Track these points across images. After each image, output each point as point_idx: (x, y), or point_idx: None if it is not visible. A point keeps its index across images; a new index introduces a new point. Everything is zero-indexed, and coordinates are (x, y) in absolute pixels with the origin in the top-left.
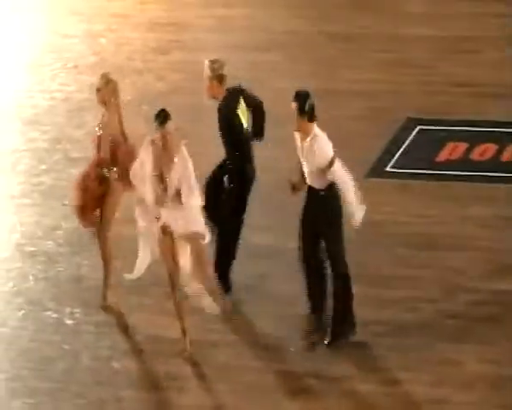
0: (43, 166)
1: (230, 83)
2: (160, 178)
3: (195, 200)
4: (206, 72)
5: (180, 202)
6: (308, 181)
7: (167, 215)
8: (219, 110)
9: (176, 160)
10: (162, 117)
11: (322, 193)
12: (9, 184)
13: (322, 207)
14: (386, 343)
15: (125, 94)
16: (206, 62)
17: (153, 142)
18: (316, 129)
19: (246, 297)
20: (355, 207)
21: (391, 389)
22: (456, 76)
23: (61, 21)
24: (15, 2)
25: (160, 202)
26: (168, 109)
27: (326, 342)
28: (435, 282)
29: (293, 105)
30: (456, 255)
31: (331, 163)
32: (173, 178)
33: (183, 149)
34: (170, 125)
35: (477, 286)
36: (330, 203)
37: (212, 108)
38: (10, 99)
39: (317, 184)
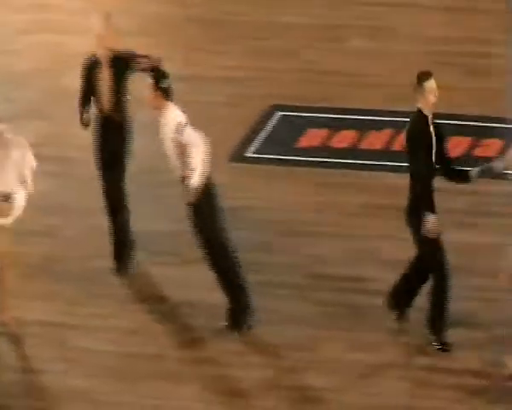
0: None
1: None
2: None
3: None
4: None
5: None
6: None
7: None
8: None
9: None
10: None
11: None
12: None
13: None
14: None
15: None
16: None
17: None
18: (170, 106)
19: None
20: (195, 173)
21: (246, 372)
22: (320, 64)
23: None
24: None
25: None
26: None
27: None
28: (296, 268)
29: (149, 82)
30: (317, 242)
31: (179, 127)
32: None
33: None
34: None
35: (338, 273)
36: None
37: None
38: None
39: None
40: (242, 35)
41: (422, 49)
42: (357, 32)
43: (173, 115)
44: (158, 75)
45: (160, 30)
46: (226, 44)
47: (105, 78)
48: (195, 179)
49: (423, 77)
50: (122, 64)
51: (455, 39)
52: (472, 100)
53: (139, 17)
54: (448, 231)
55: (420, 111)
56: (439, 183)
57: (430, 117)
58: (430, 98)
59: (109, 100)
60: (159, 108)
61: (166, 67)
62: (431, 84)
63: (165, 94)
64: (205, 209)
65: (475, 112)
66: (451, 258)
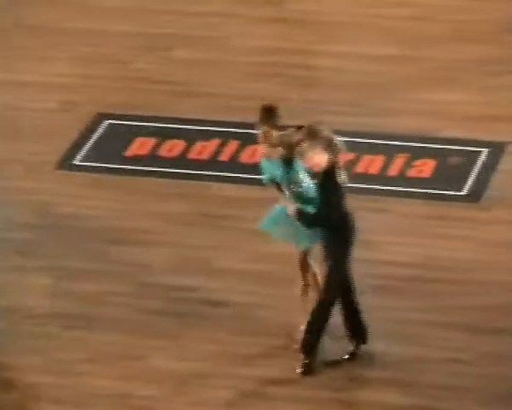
0: None
1: None
2: None
3: None
4: None
5: None
6: None
7: None
8: None
9: None
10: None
11: None
12: None
13: None
14: (73, 335)
15: None
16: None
17: None
18: None
19: None
20: None
21: (74, 380)
22: (147, 72)
23: None
24: None
25: None
26: None
27: None
28: (124, 277)
29: None
30: (145, 251)
31: None
32: None
33: None
34: None
35: (166, 281)
36: None
37: None
38: None
39: None
40: (65, 42)
41: (251, 59)
42: (185, 41)
43: None
44: None
45: None
46: (53, 51)
47: None
48: None
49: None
50: None
51: (283, 50)
52: (300, 111)
53: None
54: None
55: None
56: None
57: None
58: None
59: None
60: None
61: None
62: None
63: None
64: None
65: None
66: (275, 267)
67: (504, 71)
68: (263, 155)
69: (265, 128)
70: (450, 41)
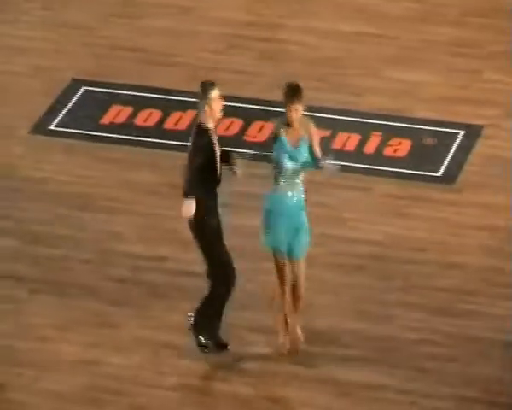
0: None
1: None
2: None
3: None
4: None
5: None
6: None
7: None
8: None
9: None
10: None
11: None
12: None
13: None
14: (41, 300)
15: None
16: None
17: None
18: None
19: None
20: None
21: (41, 345)
22: (120, 40)
23: None
24: None
25: None
26: None
27: None
28: (91, 243)
29: None
30: (114, 219)
31: None
32: None
33: None
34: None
35: (133, 250)
36: None
37: None
38: None
39: None
40: (33, 6)
41: (221, 30)
42: (158, 10)
43: None
44: None
45: None
46: (19, 14)
47: None
48: None
49: (208, 87)
50: None
51: (248, 22)
52: (268, 85)
53: None
54: (242, 214)
55: (201, 125)
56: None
57: (213, 129)
58: (217, 108)
59: None
60: None
61: None
62: (216, 93)
63: None
64: None
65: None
66: (243, 243)
67: (470, 54)
68: (290, 136)
69: (295, 106)
70: (418, 21)
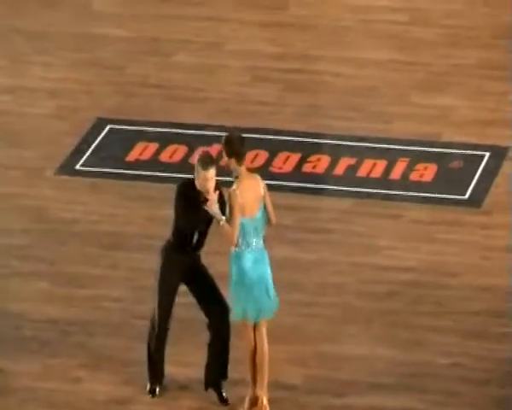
0: None
1: None
2: None
3: None
4: None
5: None
6: None
7: None
8: None
9: None
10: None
11: None
12: None
13: None
14: (71, 340)
15: None
16: None
17: None
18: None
19: None
20: None
21: (75, 386)
22: (147, 78)
23: None
24: None
25: None
26: None
27: None
28: (123, 282)
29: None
30: (145, 256)
31: None
32: None
33: None
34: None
35: None
36: None
37: None
38: None
39: None
40: (62, 47)
41: (247, 64)
42: (182, 46)
43: None
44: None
45: None
46: (50, 56)
47: None
48: None
49: (204, 164)
50: None
51: (276, 55)
52: (294, 116)
53: None
54: (274, 246)
55: (192, 182)
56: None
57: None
58: (203, 186)
59: None
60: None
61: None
62: (208, 174)
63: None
64: None
65: (301, 128)
66: (277, 273)
67: (497, 76)
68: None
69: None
70: (445, 46)
